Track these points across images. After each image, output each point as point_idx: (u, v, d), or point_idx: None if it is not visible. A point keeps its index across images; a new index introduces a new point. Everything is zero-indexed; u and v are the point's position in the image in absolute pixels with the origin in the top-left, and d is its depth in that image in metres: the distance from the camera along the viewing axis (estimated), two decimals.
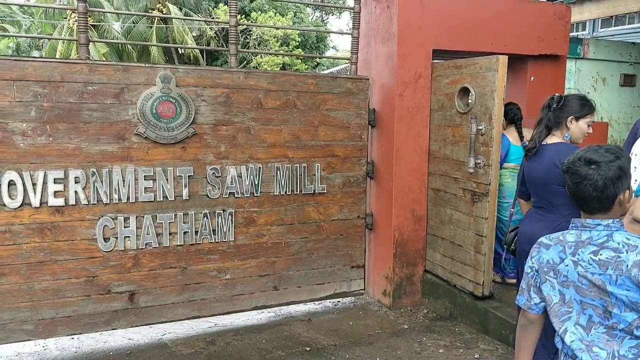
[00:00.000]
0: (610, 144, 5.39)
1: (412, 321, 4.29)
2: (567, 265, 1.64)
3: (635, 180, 2.56)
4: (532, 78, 5.01)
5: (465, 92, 4.08)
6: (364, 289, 4.85)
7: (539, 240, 1.75)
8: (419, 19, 4.31)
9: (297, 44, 23.03)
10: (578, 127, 2.85)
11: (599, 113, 5.75)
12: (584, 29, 13.41)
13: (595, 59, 5.65)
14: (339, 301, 4.79)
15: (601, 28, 13.52)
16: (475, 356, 3.55)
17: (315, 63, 25.31)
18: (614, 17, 13.06)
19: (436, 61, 4.50)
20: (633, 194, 1.65)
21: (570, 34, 11.84)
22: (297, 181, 4.37)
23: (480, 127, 3.90)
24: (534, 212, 2.95)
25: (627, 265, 1.52)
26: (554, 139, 2.86)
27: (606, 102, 5.72)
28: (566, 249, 1.65)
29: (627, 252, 1.53)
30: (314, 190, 4.46)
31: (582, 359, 1.62)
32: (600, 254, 1.57)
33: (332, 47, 28.32)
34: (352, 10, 4.63)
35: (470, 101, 4.02)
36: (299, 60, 22.56)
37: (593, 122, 2.91)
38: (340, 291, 4.72)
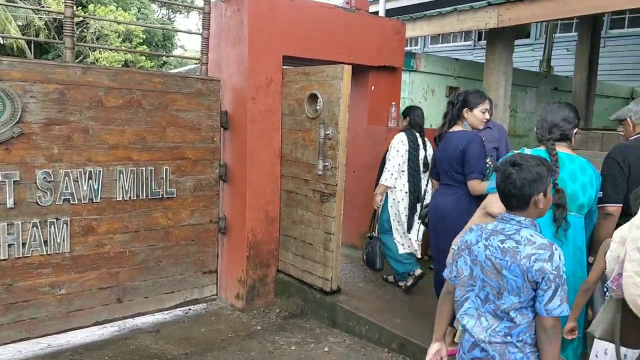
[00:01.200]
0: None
1: (265, 321, 4.34)
2: (479, 247, 1.90)
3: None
4: (373, 87, 5.41)
5: (314, 98, 4.26)
6: (217, 294, 4.77)
7: (470, 226, 2.02)
8: (269, 24, 4.38)
9: (142, 41, 21.77)
10: (473, 116, 3.32)
11: (428, 120, 6.42)
12: (416, 44, 14.90)
13: (426, 72, 6.32)
14: (190, 309, 4.64)
15: (430, 44, 15.17)
16: (325, 349, 3.71)
17: (162, 62, 24.18)
18: (441, 35, 14.75)
19: (287, 67, 4.61)
20: (549, 199, 1.92)
21: (405, 48, 12.99)
22: (143, 185, 4.14)
23: (328, 132, 4.10)
24: (442, 187, 3.45)
25: (521, 256, 1.77)
26: (457, 127, 3.36)
27: (435, 111, 6.42)
28: (483, 234, 1.91)
29: (524, 245, 1.78)
30: (162, 195, 4.26)
31: (467, 322, 1.93)
32: (505, 243, 1.83)
33: (180, 47, 27.34)
34: (201, 11, 4.53)
35: (318, 107, 4.20)
36: (144, 58, 21.35)
37: (487, 109, 3.35)
38: (192, 298, 4.58)
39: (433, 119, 6.51)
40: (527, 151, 2.40)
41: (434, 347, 2.13)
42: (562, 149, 2.48)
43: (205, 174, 4.52)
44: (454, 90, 6.64)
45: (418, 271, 4.28)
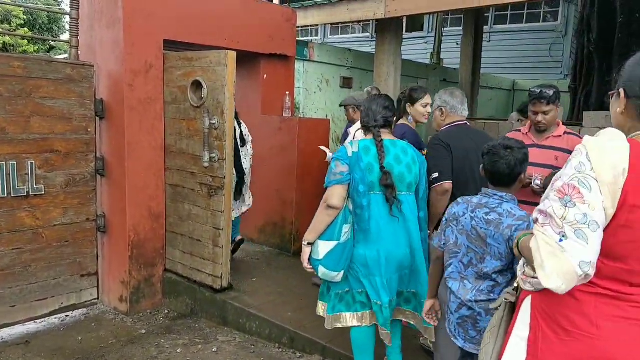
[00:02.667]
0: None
1: (152, 324, 4.07)
2: (466, 219, 2.15)
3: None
4: (265, 76, 5.27)
5: (198, 85, 4.03)
6: (99, 298, 4.41)
7: (457, 200, 2.25)
8: (148, 5, 4.07)
9: (23, 22, 19.79)
10: (415, 110, 3.45)
11: (324, 110, 6.43)
12: (316, 35, 14.96)
13: (320, 61, 6.29)
14: (67, 316, 4.24)
15: (330, 35, 15.31)
16: (213, 349, 3.55)
17: (49, 47, 22.18)
18: (340, 26, 14.93)
19: (168, 52, 4.33)
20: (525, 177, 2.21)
21: (305, 38, 12.95)
22: (3, 182, 3.68)
23: (214, 122, 3.90)
24: None
25: (503, 226, 2.01)
26: (402, 121, 3.49)
27: (330, 101, 6.44)
28: (469, 207, 2.16)
29: (506, 217, 2.03)
30: (28, 192, 3.82)
31: (452, 284, 2.19)
32: (489, 215, 2.07)
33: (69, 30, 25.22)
34: None
35: (203, 95, 3.98)
36: (27, 42, 19.43)
37: (428, 104, 3.43)
38: (69, 304, 4.19)
39: (328, 109, 6.52)
40: (353, 146, 2.57)
41: (428, 304, 2.40)
42: (385, 135, 2.64)
43: (79, 168, 4.12)
44: (348, 80, 6.69)
45: (238, 237, 4.71)
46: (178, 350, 3.56)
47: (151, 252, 4.34)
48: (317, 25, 11.53)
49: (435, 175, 2.86)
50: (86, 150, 4.15)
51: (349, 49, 6.99)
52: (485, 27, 12.21)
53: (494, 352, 1.62)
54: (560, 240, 1.24)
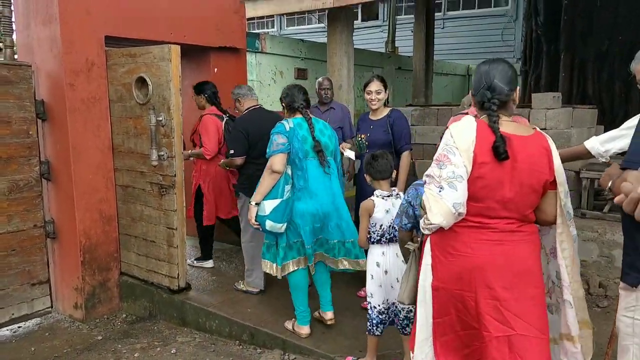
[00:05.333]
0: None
1: (109, 330, 3.96)
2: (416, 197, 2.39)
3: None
4: (216, 70, 5.17)
5: (143, 82, 3.91)
6: (52, 307, 4.25)
7: (417, 182, 2.42)
8: (85, 1, 3.91)
9: None
10: (365, 96, 3.72)
11: (279, 103, 6.36)
12: (272, 27, 14.82)
13: (273, 53, 6.21)
14: (20, 326, 4.08)
15: (287, 26, 15.18)
16: (172, 351, 3.47)
17: None
18: (296, 17, 14.81)
19: (111, 49, 4.18)
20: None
21: (261, 30, 12.77)
22: None
23: (160, 119, 3.80)
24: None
25: (419, 200, 2.13)
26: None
27: None
28: (416, 189, 2.34)
29: (414, 190, 2.30)
30: None
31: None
32: (410, 190, 2.35)
33: None
34: None
35: (148, 92, 3.87)
36: None
37: (372, 91, 3.65)
38: (20, 315, 4.03)
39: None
40: (288, 122, 3.13)
41: None
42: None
43: (23, 173, 3.95)
44: (302, 72, 6.64)
45: None
46: (135, 355, 3.47)
47: (104, 256, 4.21)
48: (272, 16, 11.40)
49: (232, 152, 3.70)
50: (29, 154, 3.97)
51: (302, 40, 6.93)
52: (438, 13, 12.36)
53: (409, 282, 2.28)
54: (439, 191, 1.86)
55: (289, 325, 3.36)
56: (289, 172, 3.12)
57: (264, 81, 6.15)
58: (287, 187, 3.12)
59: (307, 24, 14.54)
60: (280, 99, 3.38)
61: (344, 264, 3.24)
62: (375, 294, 2.76)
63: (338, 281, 3.66)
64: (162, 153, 3.82)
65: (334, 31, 5.65)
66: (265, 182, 3.10)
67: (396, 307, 2.75)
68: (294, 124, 3.12)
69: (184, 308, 3.87)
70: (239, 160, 3.70)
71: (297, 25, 14.78)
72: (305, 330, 3.27)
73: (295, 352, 3.23)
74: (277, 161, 3.05)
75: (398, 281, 2.68)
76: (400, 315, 2.72)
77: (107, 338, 3.81)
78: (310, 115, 3.24)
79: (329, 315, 3.33)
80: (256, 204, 3.13)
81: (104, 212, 4.18)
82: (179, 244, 3.89)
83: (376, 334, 2.79)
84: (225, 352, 3.44)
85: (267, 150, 3.11)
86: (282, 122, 3.18)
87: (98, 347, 3.66)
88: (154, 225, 4.01)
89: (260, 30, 12.21)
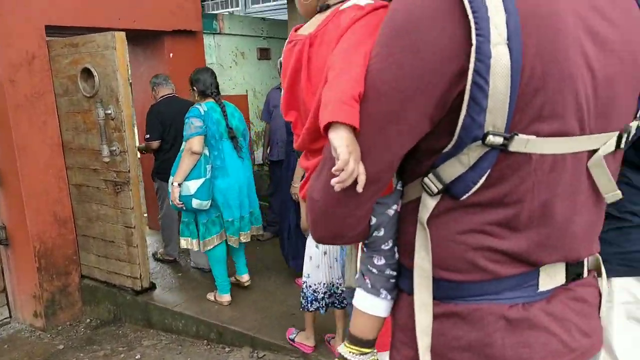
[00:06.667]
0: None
1: (71, 338, 3.77)
2: None
3: None
4: (171, 55, 4.90)
5: (88, 73, 3.65)
6: (11, 316, 4.04)
7: None
8: None
9: None
10: None
11: (242, 86, 6.12)
12: (237, 6, 14.31)
13: (233, 34, 5.91)
14: None
15: (252, 5, 14.70)
16: (137, 357, 3.31)
17: None
18: None
19: (52, 39, 3.89)
20: None
21: (225, 10, 12.28)
22: None
23: (109, 112, 3.56)
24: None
25: None
26: None
27: (247, 74, 6.10)
28: None
29: None
30: None
31: None
32: None
33: None
34: None
35: (95, 83, 3.61)
36: None
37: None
38: None
39: (247, 84, 6.22)
40: (202, 106, 3.30)
41: None
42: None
43: None
44: (265, 52, 6.37)
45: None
46: None
47: (62, 260, 3.99)
48: None
49: (147, 136, 3.96)
50: None
51: (263, 18, 6.62)
52: None
53: (352, 265, 1.95)
54: None
55: (211, 297, 3.61)
56: (207, 152, 3.31)
57: (225, 64, 5.87)
58: (208, 167, 3.32)
59: (272, 1, 14.13)
60: (191, 83, 3.48)
61: (246, 236, 3.54)
62: (312, 274, 2.75)
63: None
64: (114, 148, 3.59)
65: (294, 7, 5.38)
66: (185, 163, 3.24)
67: (333, 285, 2.73)
68: (208, 108, 3.31)
69: (148, 309, 3.70)
70: (154, 144, 3.95)
71: (262, 3, 14.33)
72: (226, 298, 3.54)
73: (264, 349, 3.10)
74: (195, 143, 3.21)
75: (337, 260, 2.67)
76: (338, 291, 2.72)
77: (69, 347, 3.62)
78: (221, 100, 3.43)
79: (245, 277, 3.70)
80: (179, 184, 3.27)
81: (58, 213, 3.94)
82: (138, 242, 3.69)
83: (310, 310, 2.78)
84: (193, 353, 3.29)
85: (184, 133, 3.27)
86: (195, 106, 3.34)
87: (59, 357, 3.47)
88: (111, 224, 3.80)
89: (225, 10, 11.73)
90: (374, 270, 0.95)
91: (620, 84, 0.80)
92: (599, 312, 0.94)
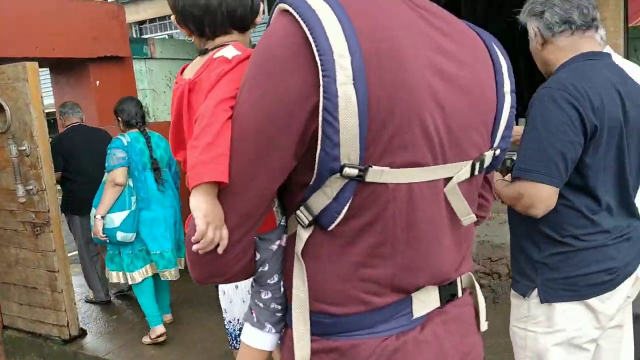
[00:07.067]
0: None
1: None
2: None
3: None
4: (98, 82, 4.65)
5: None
6: None
7: None
8: None
9: None
10: None
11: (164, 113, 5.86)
12: (168, 29, 14.08)
13: (165, 57, 5.71)
14: None
15: None
16: None
17: None
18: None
19: None
20: None
21: (164, 33, 12.03)
22: None
23: (23, 148, 3.29)
24: None
25: None
26: None
27: None
28: None
29: None
30: None
31: None
32: None
33: None
34: None
35: (6, 118, 3.33)
36: None
37: None
38: None
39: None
40: (125, 137, 3.21)
41: None
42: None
43: None
44: None
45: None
46: None
47: None
48: (164, 18, 10.72)
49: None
50: None
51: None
52: None
53: None
54: None
55: (146, 339, 3.40)
56: (131, 184, 3.22)
57: (158, 89, 5.65)
58: (133, 199, 3.22)
59: None
60: (115, 113, 3.39)
61: (172, 274, 3.36)
62: (228, 310, 2.58)
63: None
64: (31, 187, 3.31)
65: None
66: (108, 195, 3.15)
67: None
68: (131, 138, 3.23)
69: (77, 359, 3.41)
70: (55, 176, 3.72)
71: None
72: (160, 330, 3.37)
73: None
74: (118, 174, 3.13)
75: (249, 293, 2.46)
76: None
77: None
78: (147, 130, 3.35)
79: (168, 317, 3.62)
80: (102, 217, 3.15)
81: None
82: (63, 287, 3.40)
83: (237, 347, 2.55)
84: None
85: (107, 164, 3.18)
86: (118, 137, 3.25)
87: None
88: (32, 269, 3.49)
89: (162, 34, 11.46)
90: (260, 304, 0.96)
91: (471, 116, 0.86)
92: (478, 328, 1.00)
